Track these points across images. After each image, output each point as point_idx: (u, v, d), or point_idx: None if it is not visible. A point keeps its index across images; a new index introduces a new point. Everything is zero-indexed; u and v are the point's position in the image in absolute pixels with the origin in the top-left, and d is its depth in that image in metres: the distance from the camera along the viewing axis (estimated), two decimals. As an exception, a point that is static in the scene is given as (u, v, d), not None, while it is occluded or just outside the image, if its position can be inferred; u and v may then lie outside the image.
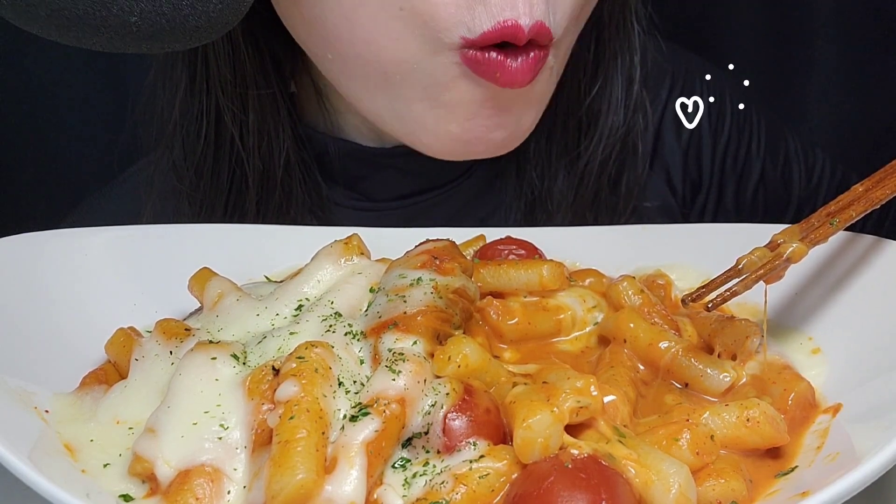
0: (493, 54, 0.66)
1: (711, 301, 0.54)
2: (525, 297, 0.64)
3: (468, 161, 0.89)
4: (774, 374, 0.57)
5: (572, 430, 0.49)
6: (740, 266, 0.57)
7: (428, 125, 0.73)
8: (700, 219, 0.98)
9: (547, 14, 0.66)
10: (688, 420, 0.51)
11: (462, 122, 0.72)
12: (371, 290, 0.61)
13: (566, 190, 0.88)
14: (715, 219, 0.98)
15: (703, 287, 0.57)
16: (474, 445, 0.49)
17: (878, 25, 1.29)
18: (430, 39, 0.67)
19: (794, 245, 0.57)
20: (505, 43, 0.66)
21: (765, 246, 0.58)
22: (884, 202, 0.60)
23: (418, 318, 0.55)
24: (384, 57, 0.69)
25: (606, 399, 0.52)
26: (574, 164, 0.88)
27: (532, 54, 0.67)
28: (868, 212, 0.60)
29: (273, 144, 0.84)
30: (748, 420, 0.51)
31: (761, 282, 0.57)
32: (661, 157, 0.96)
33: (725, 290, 0.55)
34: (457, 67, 0.68)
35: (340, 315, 0.58)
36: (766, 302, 0.59)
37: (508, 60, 0.67)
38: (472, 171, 0.89)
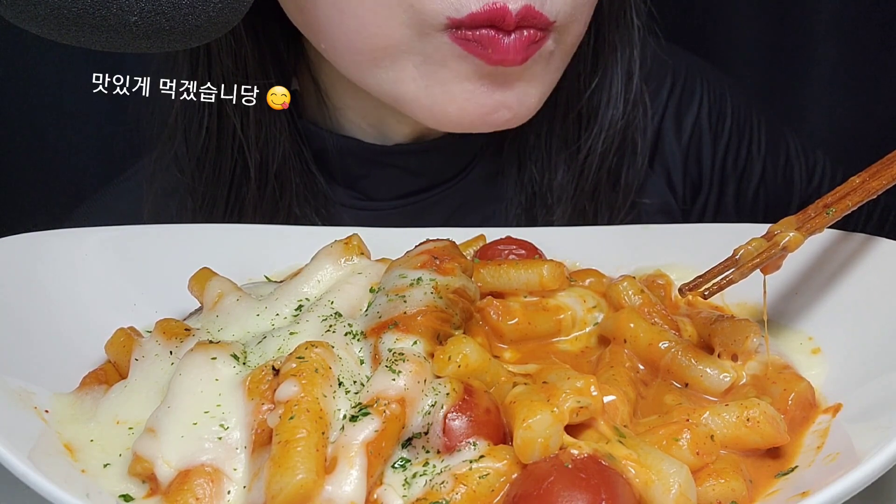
0: (484, 31, 0.67)
1: (707, 289, 0.54)
2: (525, 297, 0.64)
3: (468, 157, 0.89)
4: (774, 374, 0.57)
5: (572, 430, 0.49)
6: (737, 256, 0.57)
7: (425, 105, 0.73)
8: (700, 219, 0.98)
9: None
10: (688, 420, 0.51)
11: (461, 102, 0.72)
12: (371, 290, 0.61)
13: (566, 184, 0.88)
14: (715, 219, 0.98)
15: (699, 277, 0.57)
16: (474, 445, 0.49)
17: (877, 25, 1.29)
18: (417, 23, 0.68)
19: (791, 234, 0.57)
20: (494, 26, 0.67)
21: (762, 237, 0.58)
22: (880, 192, 0.60)
23: (418, 318, 0.55)
24: (373, 43, 0.70)
25: (606, 399, 0.52)
26: (574, 158, 0.88)
27: (526, 33, 0.68)
28: (864, 202, 0.60)
29: (270, 137, 0.84)
30: (748, 420, 0.51)
31: (761, 276, 0.57)
32: (661, 157, 0.96)
33: (722, 279, 0.55)
34: (447, 47, 0.69)
35: (340, 315, 0.58)
36: (765, 293, 0.59)
37: (500, 35, 0.67)
38: (472, 168, 0.90)
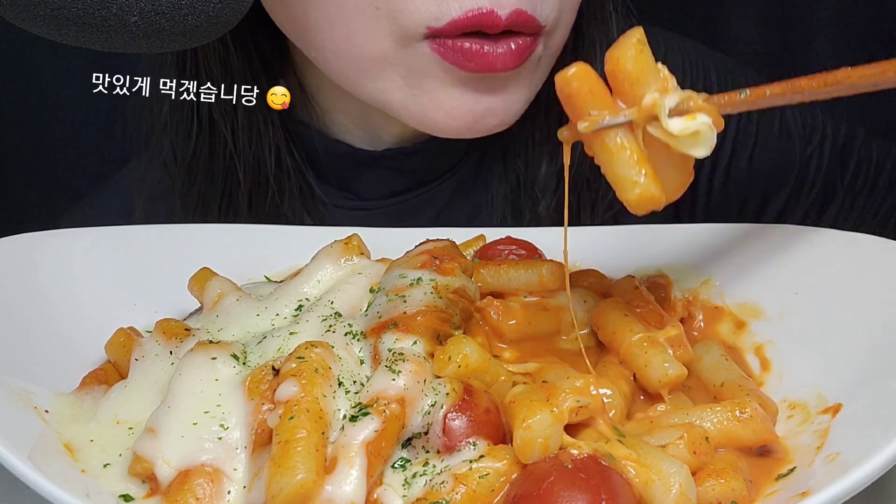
0: (467, 43, 0.66)
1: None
2: (525, 297, 0.64)
3: (458, 155, 0.89)
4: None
5: (572, 429, 0.49)
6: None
7: (412, 113, 0.73)
8: (693, 202, 0.96)
9: (529, 2, 0.66)
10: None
11: (448, 109, 0.71)
12: (371, 290, 0.61)
13: (549, 176, 0.88)
14: (708, 196, 0.96)
15: None
16: (474, 445, 0.49)
17: (878, 25, 1.29)
18: (399, 33, 0.68)
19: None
20: (481, 32, 0.66)
21: None
22: (805, 97, 0.55)
23: (418, 318, 0.55)
24: (360, 53, 0.70)
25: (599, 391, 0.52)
26: (557, 150, 0.88)
27: (517, 42, 0.67)
28: (785, 97, 0.54)
29: (263, 141, 0.84)
30: (740, 415, 0.51)
31: (759, 273, 0.56)
32: None
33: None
34: (428, 57, 0.68)
35: (340, 315, 0.58)
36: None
37: (485, 47, 0.66)
38: (459, 166, 0.90)
